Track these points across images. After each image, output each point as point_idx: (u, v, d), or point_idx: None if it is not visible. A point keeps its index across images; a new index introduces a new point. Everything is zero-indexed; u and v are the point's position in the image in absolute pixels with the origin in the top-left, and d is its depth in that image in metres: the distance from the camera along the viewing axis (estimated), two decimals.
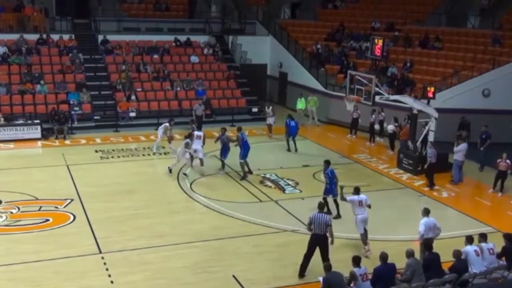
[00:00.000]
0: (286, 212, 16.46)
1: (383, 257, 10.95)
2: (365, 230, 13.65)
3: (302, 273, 12.50)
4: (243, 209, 16.41)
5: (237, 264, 13.19)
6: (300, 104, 28.03)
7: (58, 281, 12.21)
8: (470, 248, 11.55)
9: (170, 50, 30.77)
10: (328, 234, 12.34)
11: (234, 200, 17.20)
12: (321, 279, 10.79)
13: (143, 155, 21.86)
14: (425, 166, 19.12)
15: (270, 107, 25.47)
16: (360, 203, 13.61)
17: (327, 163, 16.12)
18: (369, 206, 13.86)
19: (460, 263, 11.13)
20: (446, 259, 11.68)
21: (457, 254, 11.22)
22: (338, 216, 15.67)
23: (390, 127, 22.99)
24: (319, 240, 12.33)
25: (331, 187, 15.71)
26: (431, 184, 18.90)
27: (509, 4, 29.67)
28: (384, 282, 10.65)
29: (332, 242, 12.46)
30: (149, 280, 12.37)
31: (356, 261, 10.68)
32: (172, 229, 15.00)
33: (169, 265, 13.01)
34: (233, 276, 12.52)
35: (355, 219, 13.66)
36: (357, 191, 13.82)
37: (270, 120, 25.05)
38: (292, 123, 22.82)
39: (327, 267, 10.64)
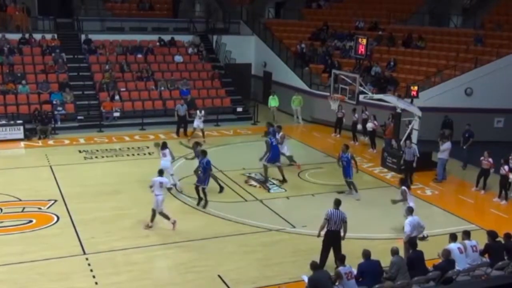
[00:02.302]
0: (271, 211, 16.47)
1: (366, 253, 11.01)
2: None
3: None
4: (228, 208, 16.39)
5: (223, 263, 13.17)
6: (273, 102, 28.14)
7: (43, 283, 12.12)
8: (453, 246, 11.63)
9: (154, 49, 30.61)
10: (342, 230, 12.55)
11: (219, 200, 17.16)
12: (305, 278, 10.78)
13: (127, 155, 21.75)
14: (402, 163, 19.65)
15: (202, 111, 24.28)
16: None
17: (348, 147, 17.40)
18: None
19: (448, 263, 11.16)
20: (430, 256, 11.77)
21: (446, 254, 11.23)
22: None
23: (369, 125, 23.16)
24: (335, 237, 12.48)
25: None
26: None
27: (491, 3, 30.01)
28: (370, 277, 10.68)
29: (343, 238, 12.60)
30: (135, 280, 12.31)
31: (341, 259, 10.72)
32: (157, 229, 14.93)
33: (154, 266, 12.99)
34: (219, 276, 12.52)
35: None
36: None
37: (197, 123, 23.97)
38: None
39: (313, 266, 10.64)
